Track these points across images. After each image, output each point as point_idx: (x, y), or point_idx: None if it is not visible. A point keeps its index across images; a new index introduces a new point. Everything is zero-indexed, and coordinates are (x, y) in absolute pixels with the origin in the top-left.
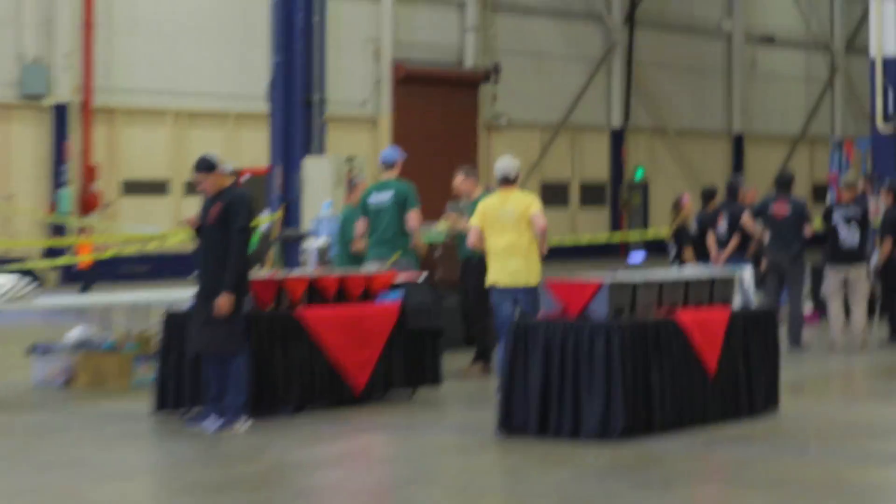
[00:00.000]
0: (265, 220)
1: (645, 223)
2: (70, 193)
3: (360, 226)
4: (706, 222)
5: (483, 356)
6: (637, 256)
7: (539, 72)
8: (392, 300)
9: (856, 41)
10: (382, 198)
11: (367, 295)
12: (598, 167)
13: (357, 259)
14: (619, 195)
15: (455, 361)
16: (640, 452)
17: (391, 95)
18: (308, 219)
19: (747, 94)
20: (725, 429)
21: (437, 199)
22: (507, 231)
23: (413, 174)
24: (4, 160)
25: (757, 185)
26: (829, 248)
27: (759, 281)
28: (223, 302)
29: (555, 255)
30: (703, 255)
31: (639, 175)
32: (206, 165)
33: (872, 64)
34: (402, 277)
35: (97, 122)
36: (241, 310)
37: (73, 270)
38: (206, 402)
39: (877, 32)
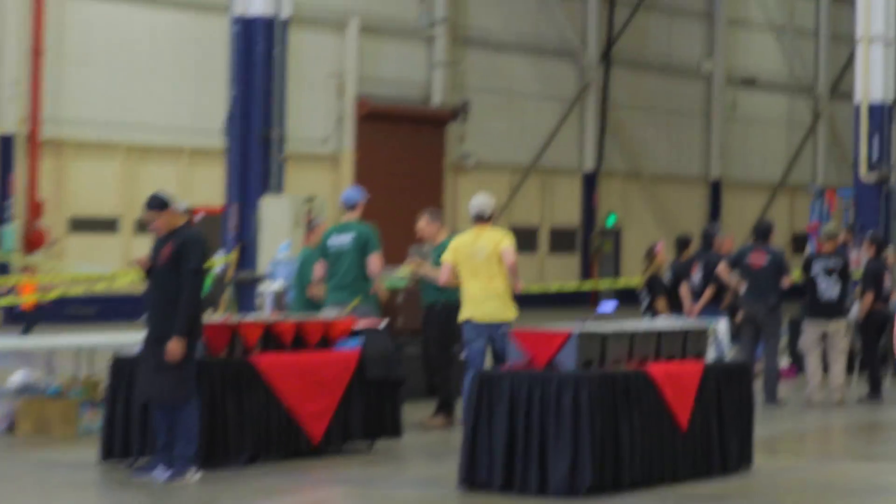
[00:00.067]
0: (219, 262)
1: (616, 271)
2: (14, 230)
3: (319, 269)
4: (680, 272)
5: (445, 407)
6: (608, 306)
7: (509, 111)
8: (351, 348)
9: (840, 86)
10: (343, 240)
11: (326, 342)
12: (568, 212)
13: (315, 304)
14: (590, 242)
15: (416, 412)
16: None
17: (354, 133)
18: (264, 261)
19: (726, 139)
20: (697, 486)
21: (400, 243)
22: (480, 268)
23: (376, 216)
24: None
25: (734, 234)
26: (808, 300)
27: (735, 333)
28: (174, 347)
29: (522, 303)
30: (676, 306)
31: (611, 221)
32: (157, 203)
33: (857, 110)
34: (361, 324)
35: (44, 155)
36: (193, 356)
37: (15, 311)
38: (155, 451)
39: (863, 77)
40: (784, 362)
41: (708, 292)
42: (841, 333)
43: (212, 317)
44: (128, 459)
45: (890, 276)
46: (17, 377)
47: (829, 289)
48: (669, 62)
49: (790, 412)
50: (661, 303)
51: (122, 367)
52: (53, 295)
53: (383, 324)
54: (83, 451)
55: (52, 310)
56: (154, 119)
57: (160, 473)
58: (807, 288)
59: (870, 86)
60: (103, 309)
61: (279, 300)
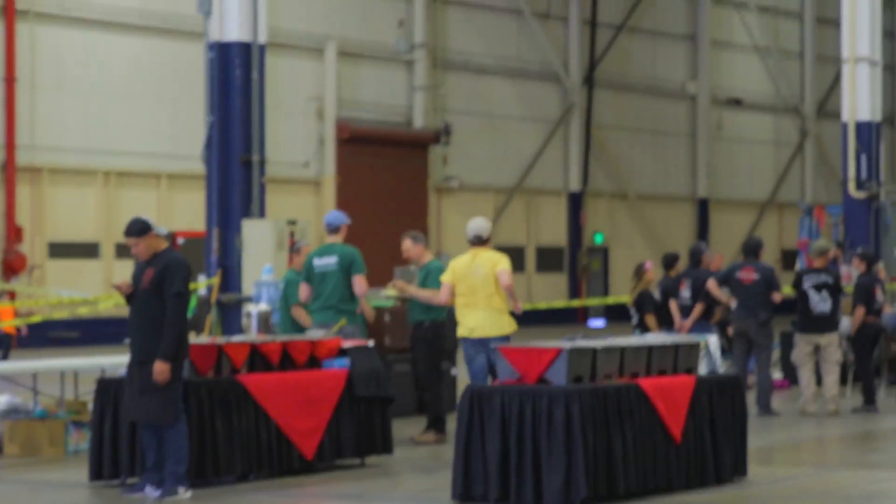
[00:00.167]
0: (203, 285)
1: (605, 289)
2: None
3: (304, 291)
4: (669, 289)
5: (436, 423)
6: (597, 324)
7: (493, 133)
8: (339, 367)
9: (827, 105)
10: (327, 262)
11: (313, 361)
12: (555, 232)
13: (300, 326)
14: (577, 260)
15: (407, 429)
16: None
17: (335, 156)
18: (248, 284)
19: (713, 158)
20: (692, 497)
21: (384, 265)
22: (477, 287)
23: (360, 238)
24: None
25: (723, 252)
26: (799, 314)
27: (726, 348)
28: (160, 370)
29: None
30: (666, 322)
31: (598, 239)
32: (138, 229)
33: (845, 129)
34: (349, 344)
35: (21, 181)
36: (180, 376)
37: None
38: (145, 470)
39: (850, 96)
40: (776, 375)
41: (698, 308)
42: (833, 346)
43: (197, 339)
44: (117, 480)
45: (881, 290)
46: (2, 400)
47: (820, 303)
48: (654, 83)
49: (785, 423)
50: (651, 320)
51: (108, 387)
52: (35, 319)
53: (370, 343)
54: (72, 472)
55: (36, 334)
56: (131, 144)
57: (151, 492)
58: (798, 303)
59: (856, 105)
60: (86, 332)
61: (265, 321)
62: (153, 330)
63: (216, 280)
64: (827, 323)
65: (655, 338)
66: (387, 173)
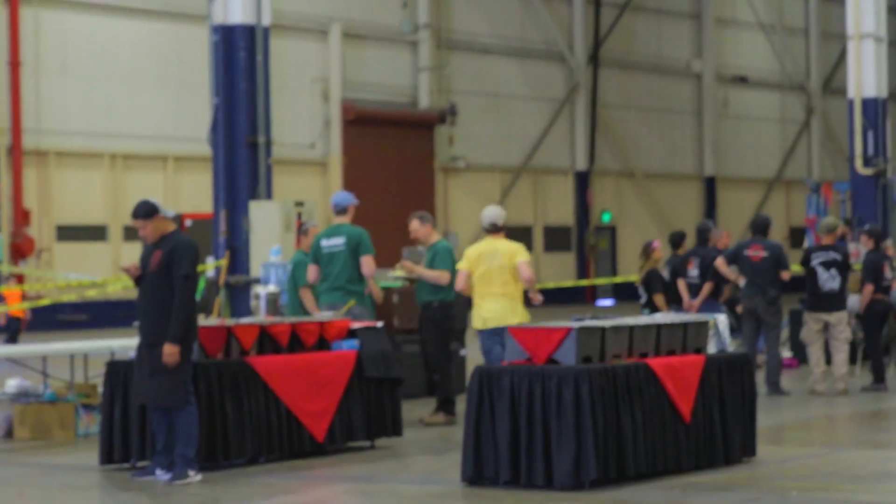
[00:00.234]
0: (211, 267)
1: (613, 268)
2: (2, 239)
3: (312, 273)
4: (677, 268)
5: (446, 404)
6: (605, 304)
7: (498, 113)
8: (348, 348)
9: (832, 82)
10: (335, 243)
11: (322, 343)
12: (562, 211)
13: (307, 309)
14: (585, 239)
15: (416, 410)
16: (614, 502)
17: (341, 137)
18: (256, 265)
19: (719, 136)
20: (702, 477)
21: (392, 246)
22: (493, 277)
23: (367, 219)
24: None
25: (730, 230)
26: (808, 293)
27: (735, 327)
28: (170, 353)
29: None
30: (674, 301)
31: (606, 218)
32: (145, 211)
33: (851, 105)
34: (357, 325)
35: (27, 165)
36: (189, 359)
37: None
38: (154, 454)
39: (855, 73)
40: (785, 354)
41: (706, 287)
42: (842, 324)
43: (206, 321)
44: (128, 462)
45: (890, 267)
46: (12, 384)
47: (829, 280)
48: (659, 62)
49: (794, 402)
50: (660, 299)
51: (118, 370)
52: (44, 302)
53: (379, 324)
54: (82, 455)
55: (44, 317)
56: (137, 127)
57: (161, 475)
58: (807, 280)
59: (862, 81)
60: (95, 315)
61: (273, 303)
62: (162, 313)
63: (224, 262)
64: (836, 301)
65: (664, 317)
66: (393, 154)
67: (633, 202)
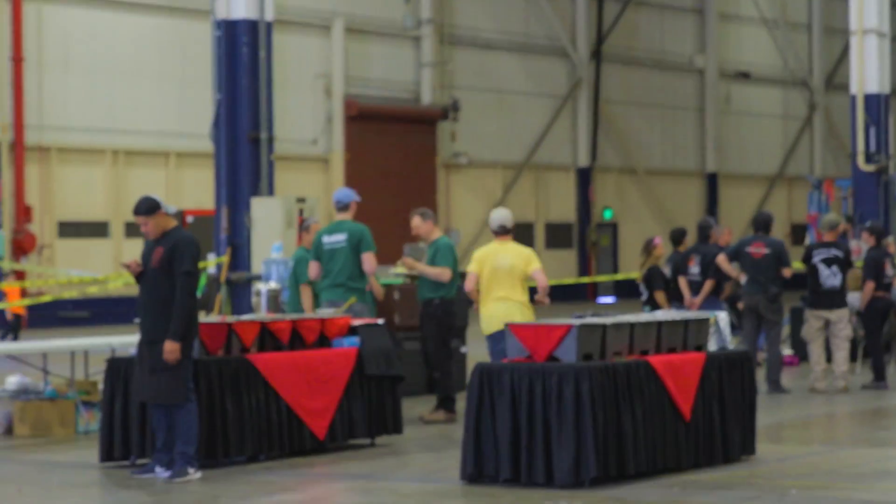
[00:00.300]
0: (212, 263)
1: (615, 265)
2: (3, 236)
3: (314, 269)
4: (679, 265)
5: (445, 403)
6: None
7: (500, 109)
8: (349, 345)
9: (835, 78)
10: (336, 239)
11: (323, 340)
12: (564, 207)
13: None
14: (586, 236)
15: (417, 407)
16: (614, 500)
17: (343, 133)
18: (257, 262)
19: (721, 132)
20: (702, 475)
21: (394, 242)
22: (503, 279)
23: (369, 215)
24: None
25: (732, 226)
26: (810, 290)
27: (736, 324)
28: (170, 349)
29: None
30: (675, 299)
31: (608, 215)
32: (146, 207)
33: (853, 101)
34: (358, 322)
35: (29, 161)
36: (190, 356)
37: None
38: (154, 451)
39: (858, 69)
40: (786, 352)
41: (708, 285)
42: (843, 322)
43: (207, 318)
44: (128, 460)
45: (891, 264)
46: (12, 380)
47: (830, 277)
48: (661, 57)
49: (794, 400)
50: (661, 296)
51: (118, 367)
52: (44, 299)
53: (380, 321)
54: (82, 452)
55: (45, 313)
56: (139, 123)
57: (160, 473)
58: (808, 277)
59: (865, 77)
60: (96, 312)
61: (274, 300)
62: (163, 309)
63: (225, 258)
64: (837, 298)
65: (665, 314)
66: (395, 150)
67: (635, 199)
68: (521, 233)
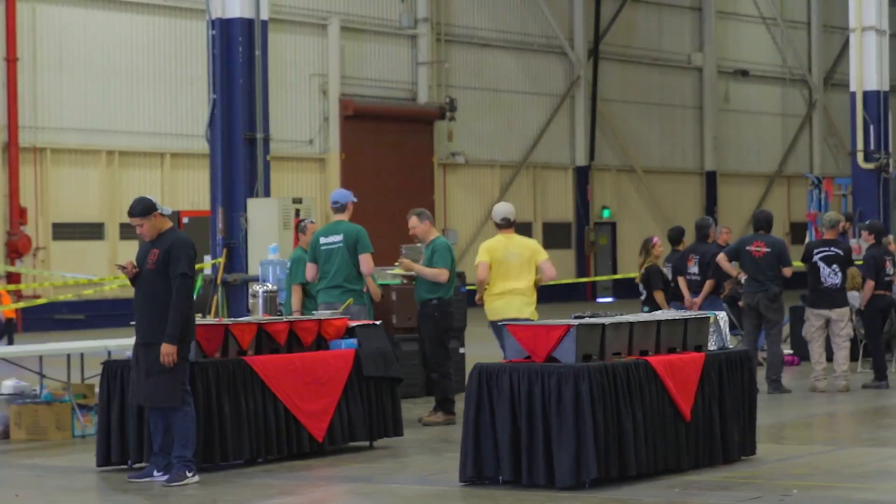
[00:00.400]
0: (208, 265)
1: (613, 265)
2: None
3: (311, 270)
4: (678, 264)
5: (444, 404)
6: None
7: (498, 108)
8: (347, 347)
9: (834, 75)
10: (333, 240)
11: (320, 342)
12: (561, 207)
13: (307, 305)
14: (584, 236)
15: (415, 409)
16: (615, 501)
17: (339, 133)
18: (253, 263)
19: (720, 130)
20: (702, 475)
21: (391, 242)
22: (511, 270)
23: (366, 215)
24: None
25: (731, 225)
26: (810, 289)
27: (735, 324)
28: (167, 352)
29: None
30: (675, 298)
31: (606, 214)
32: (142, 209)
33: (853, 99)
34: (356, 323)
35: (24, 162)
36: (186, 358)
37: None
38: (152, 454)
39: (857, 66)
40: (786, 351)
41: (708, 285)
42: (844, 320)
43: (203, 319)
44: (126, 464)
45: (891, 263)
46: (8, 384)
47: (831, 276)
48: (659, 56)
49: (795, 400)
50: (660, 295)
51: (114, 370)
52: (39, 302)
53: (378, 322)
54: (79, 456)
55: (41, 316)
56: (134, 124)
57: (158, 477)
58: (808, 276)
59: (864, 75)
60: (92, 314)
61: (271, 302)
62: (159, 311)
63: (222, 260)
64: (837, 296)
65: (664, 314)
66: (392, 150)
67: (634, 198)
68: (520, 232)
